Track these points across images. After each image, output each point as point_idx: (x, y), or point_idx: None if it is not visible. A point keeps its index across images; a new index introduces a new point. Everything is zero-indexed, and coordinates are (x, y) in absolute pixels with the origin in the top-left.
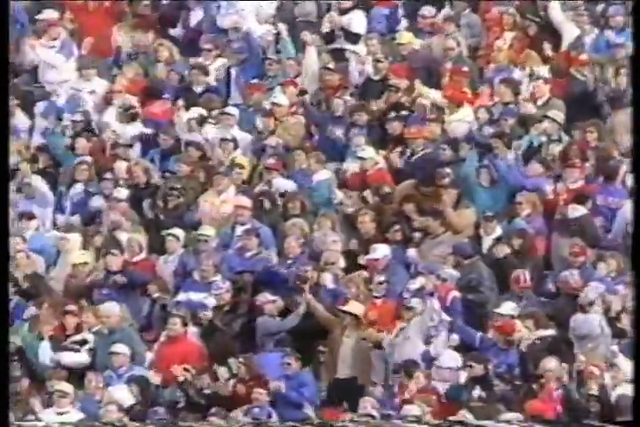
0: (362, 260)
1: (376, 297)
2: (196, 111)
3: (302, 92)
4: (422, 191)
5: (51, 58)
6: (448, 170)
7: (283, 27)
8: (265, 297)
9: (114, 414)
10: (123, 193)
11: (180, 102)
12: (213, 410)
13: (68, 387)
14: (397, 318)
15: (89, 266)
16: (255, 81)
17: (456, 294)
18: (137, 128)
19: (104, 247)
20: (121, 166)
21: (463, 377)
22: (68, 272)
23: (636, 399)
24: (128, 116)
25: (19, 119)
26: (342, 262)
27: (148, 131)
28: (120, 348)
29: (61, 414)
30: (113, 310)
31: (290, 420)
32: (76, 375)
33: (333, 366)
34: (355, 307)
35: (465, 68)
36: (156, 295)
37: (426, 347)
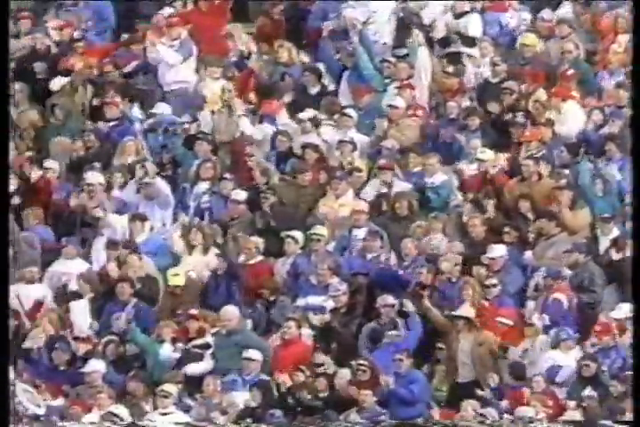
0: (475, 262)
1: (487, 299)
2: (311, 113)
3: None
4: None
5: (170, 57)
6: (566, 171)
7: (416, 32)
8: (384, 300)
9: (231, 417)
10: (241, 195)
11: (295, 104)
12: (327, 412)
13: (172, 387)
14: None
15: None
16: (366, 83)
17: (570, 294)
18: (256, 128)
19: (221, 248)
20: (243, 167)
21: (577, 378)
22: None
23: (636, 399)
24: (247, 116)
25: (136, 119)
26: (458, 265)
27: (272, 129)
28: (254, 354)
29: (165, 414)
30: (233, 312)
31: (400, 418)
32: (195, 379)
33: (453, 369)
34: (466, 310)
35: (571, 71)
36: (271, 298)
37: (543, 350)
